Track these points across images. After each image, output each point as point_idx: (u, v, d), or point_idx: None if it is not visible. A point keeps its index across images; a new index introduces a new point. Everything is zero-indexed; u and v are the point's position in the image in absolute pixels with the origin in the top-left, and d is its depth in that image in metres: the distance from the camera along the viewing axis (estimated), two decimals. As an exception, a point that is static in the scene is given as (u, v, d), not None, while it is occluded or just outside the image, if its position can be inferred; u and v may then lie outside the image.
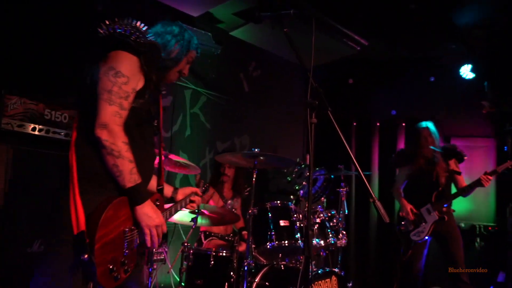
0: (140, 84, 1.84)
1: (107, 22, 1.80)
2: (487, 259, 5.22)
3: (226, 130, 5.20)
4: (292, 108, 5.89)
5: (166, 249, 4.19)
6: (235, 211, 4.22)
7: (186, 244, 3.26)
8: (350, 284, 3.68)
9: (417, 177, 4.23)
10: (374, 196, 1.64)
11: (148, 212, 1.80)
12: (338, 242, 3.51)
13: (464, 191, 4.03)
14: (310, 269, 3.28)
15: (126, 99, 1.77)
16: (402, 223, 4.21)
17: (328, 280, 3.33)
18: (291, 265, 3.44)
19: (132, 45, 1.79)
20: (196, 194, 2.36)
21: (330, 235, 3.47)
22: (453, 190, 4.19)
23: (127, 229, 1.76)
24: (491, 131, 5.63)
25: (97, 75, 1.78)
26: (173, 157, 3.48)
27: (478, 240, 5.42)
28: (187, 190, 2.33)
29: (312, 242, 3.34)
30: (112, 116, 1.72)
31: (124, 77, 1.76)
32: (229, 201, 4.27)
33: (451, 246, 4.05)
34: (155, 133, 2.02)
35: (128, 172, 1.73)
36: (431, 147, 4.18)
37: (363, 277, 6.01)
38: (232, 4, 4.29)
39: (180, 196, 2.27)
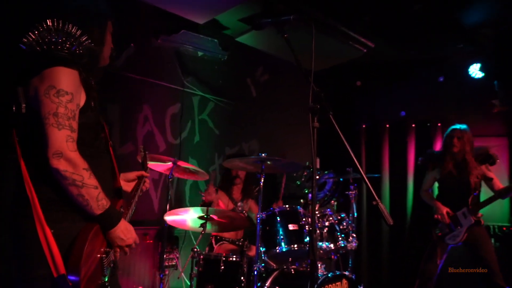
0: (82, 97, 1.68)
1: (31, 34, 1.58)
2: (502, 260, 5.14)
3: (235, 135, 5.22)
4: (301, 112, 5.89)
5: (177, 255, 4.22)
6: (245, 213, 4.23)
7: (195, 249, 3.28)
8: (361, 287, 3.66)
9: (449, 180, 4.15)
10: (377, 199, 1.65)
11: (120, 235, 1.72)
12: (348, 245, 3.50)
13: (503, 193, 3.96)
14: (321, 273, 3.29)
15: (74, 118, 1.60)
16: (439, 226, 4.11)
17: (338, 283, 3.32)
18: (301, 269, 3.44)
19: (68, 59, 1.60)
20: (143, 177, 2.17)
21: (340, 238, 3.46)
22: (483, 194, 4.11)
23: (103, 255, 1.69)
24: (503, 129, 5.58)
25: (36, 98, 1.59)
26: (182, 163, 3.51)
27: (492, 240, 5.34)
28: (131, 175, 2.15)
29: (317, 245, 3.33)
30: (65, 142, 1.56)
31: (68, 95, 1.59)
32: (239, 203, 4.30)
33: (483, 250, 4.00)
34: (107, 140, 1.85)
35: (95, 200, 1.62)
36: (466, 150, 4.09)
37: (376, 280, 5.96)
38: (238, 10, 4.32)
39: (124, 185, 2.04)
